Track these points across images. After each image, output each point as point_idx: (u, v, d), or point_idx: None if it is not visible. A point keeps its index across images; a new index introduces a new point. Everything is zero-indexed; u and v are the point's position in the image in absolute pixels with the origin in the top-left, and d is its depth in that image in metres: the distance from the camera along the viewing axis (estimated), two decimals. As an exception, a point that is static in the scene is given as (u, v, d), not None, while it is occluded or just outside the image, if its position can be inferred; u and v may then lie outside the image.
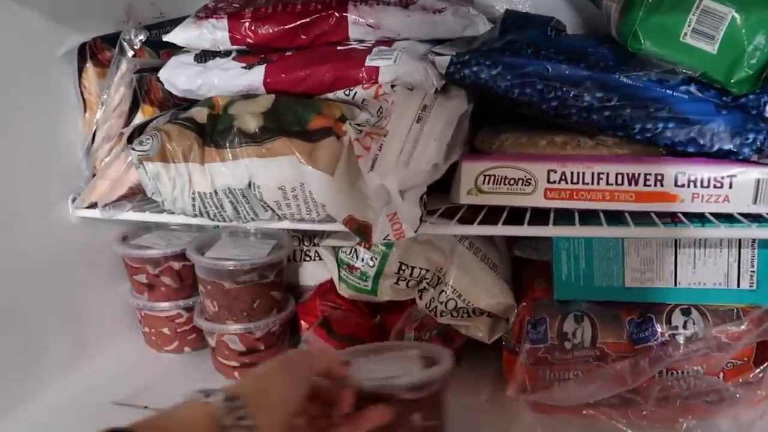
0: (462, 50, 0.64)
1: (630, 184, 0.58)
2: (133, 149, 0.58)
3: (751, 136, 0.55)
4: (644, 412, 0.59)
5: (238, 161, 0.56)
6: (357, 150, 0.54)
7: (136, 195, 0.71)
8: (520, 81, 0.60)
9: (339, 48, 0.67)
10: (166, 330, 0.78)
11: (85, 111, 0.72)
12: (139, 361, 0.79)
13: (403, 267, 0.70)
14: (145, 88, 0.70)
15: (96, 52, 0.71)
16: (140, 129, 0.67)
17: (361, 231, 0.55)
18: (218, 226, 0.80)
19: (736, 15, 0.55)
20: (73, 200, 0.71)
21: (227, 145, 0.56)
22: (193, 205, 0.59)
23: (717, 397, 0.59)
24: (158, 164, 0.58)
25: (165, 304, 0.76)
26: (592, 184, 0.59)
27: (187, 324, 0.78)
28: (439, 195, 0.63)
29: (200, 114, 0.60)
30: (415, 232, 0.54)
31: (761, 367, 0.57)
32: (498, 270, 0.71)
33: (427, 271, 0.70)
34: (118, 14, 0.77)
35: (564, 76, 0.59)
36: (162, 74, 0.69)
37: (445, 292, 0.70)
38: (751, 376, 0.56)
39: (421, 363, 0.52)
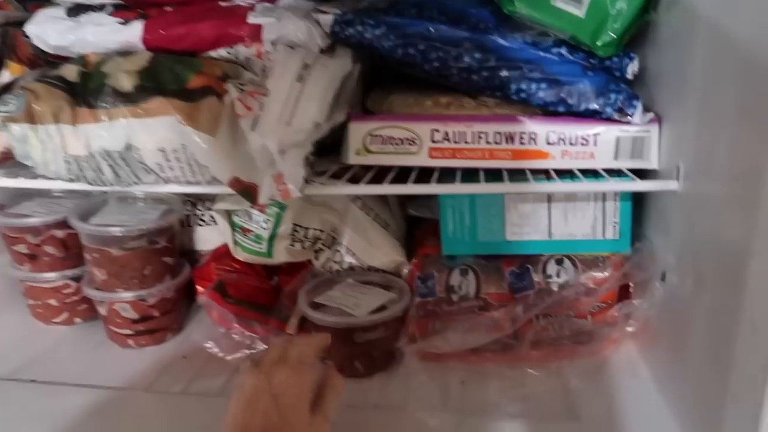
0: (343, 11, 0.64)
1: (507, 143, 0.61)
2: (2, 106, 0.54)
3: (612, 96, 0.59)
4: (521, 355, 0.63)
5: (114, 122, 0.54)
6: (238, 109, 0.53)
7: (9, 160, 0.66)
8: (404, 41, 0.61)
9: (222, 4, 0.65)
10: (53, 301, 0.74)
11: (-55, 69, 0.66)
12: (26, 334, 0.75)
13: (297, 228, 0.70)
14: (10, 44, 0.65)
15: (-47, 5, 0.65)
16: (6, 88, 0.63)
17: (247, 192, 0.55)
18: (105, 192, 0.77)
19: (601, -19, 0.59)
20: (-62, 166, 0.66)
21: (101, 105, 0.54)
22: (68, 169, 0.57)
23: (585, 338, 0.64)
24: (25, 125, 0.54)
25: (50, 275, 0.73)
26: (473, 143, 0.61)
27: (75, 294, 0.75)
28: (334, 157, 0.64)
29: (71, 72, 0.57)
30: (301, 192, 0.54)
31: (618, 306, 0.62)
32: (389, 229, 0.73)
33: (322, 231, 0.71)
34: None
35: (445, 36, 0.61)
36: (29, 29, 0.65)
37: (340, 252, 0.72)
38: (611, 316, 0.62)
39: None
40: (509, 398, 0.58)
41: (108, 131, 0.54)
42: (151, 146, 0.55)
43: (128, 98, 0.54)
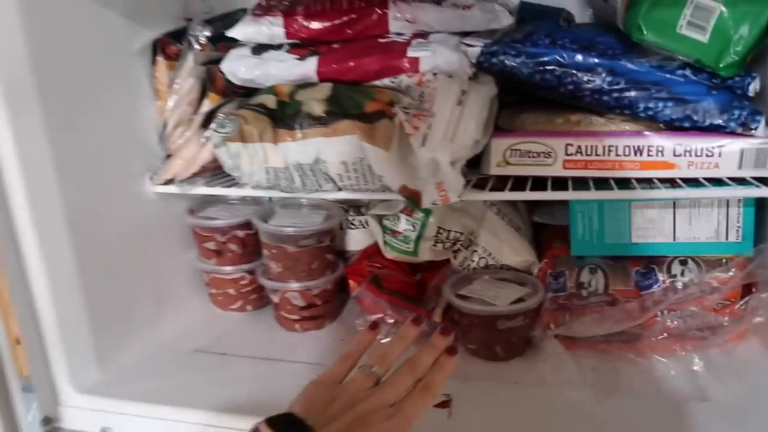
0: (487, 41, 0.74)
1: (635, 155, 0.68)
2: (216, 132, 0.69)
3: (736, 112, 0.66)
4: (649, 345, 0.70)
5: (307, 140, 0.67)
6: (407, 129, 0.65)
7: (206, 172, 0.81)
8: (541, 68, 0.70)
9: (381, 40, 0.77)
10: (231, 291, 0.89)
11: (156, 100, 0.82)
12: (208, 318, 0.90)
13: (441, 231, 0.81)
14: (210, 78, 0.80)
15: (164, 47, 0.81)
16: (210, 115, 0.78)
17: (412, 198, 0.66)
18: (271, 199, 0.92)
19: (724, 9, 0.65)
20: (151, 178, 0.82)
21: (297, 126, 0.67)
22: (267, 179, 0.70)
23: (710, 331, 0.70)
24: (238, 144, 0.68)
25: (230, 268, 0.87)
26: (604, 155, 0.69)
27: (249, 285, 0.89)
28: (471, 169, 0.74)
29: (269, 100, 0.71)
30: (459, 198, 0.65)
31: (743, 300, 0.68)
32: (521, 232, 0.82)
33: (461, 234, 0.81)
34: (177, 11, 0.87)
35: (578, 63, 0.69)
36: (223, 66, 0.79)
37: (477, 252, 0.81)
38: (735, 308, 0.67)
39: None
40: (641, 381, 0.65)
41: (302, 147, 0.67)
42: (335, 159, 0.67)
43: (320, 121, 0.66)
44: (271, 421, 0.43)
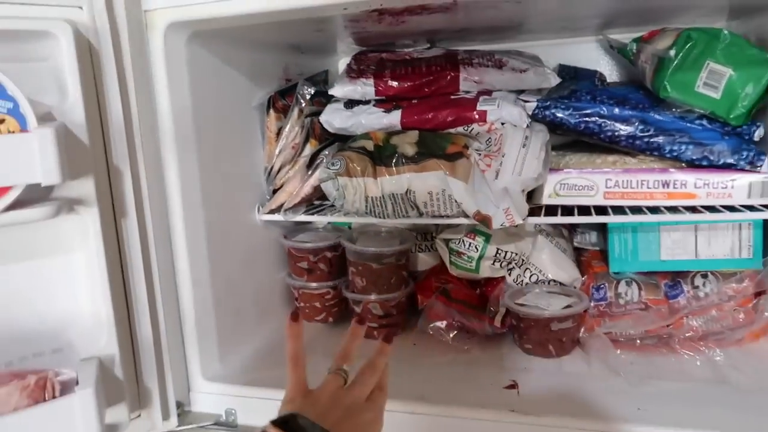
0: (539, 97, 0.92)
1: (663, 188, 0.85)
2: (327, 168, 0.86)
3: (744, 153, 0.82)
4: (677, 344, 0.85)
5: (401, 175, 0.84)
6: (481, 166, 0.82)
7: (303, 204, 0.99)
8: (585, 119, 0.88)
9: (452, 97, 0.95)
10: (317, 304, 1.05)
11: (266, 145, 1.00)
12: (298, 327, 1.06)
13: (499, 252, 0.97)
14: (312, 127, 0.98)
15: (275, 102, 1.00)
16: (312, 157, 0.96)
17: (485, 221, 0.82)
18: (350, 227, 1.09)
19: (732, 73, 0.82)
20: (258, 209, 1.00)
21: (393, 164, 0.84)
22: (366, 206, 0.87)
23: (729, 332, 0.85)
24: (345, 178, 0.86)
25: (318, 284, 1.04)
26: (637, 188, 0.86)
27: (332, 300, 1.05)
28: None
29: (367, 144, 0.89)
30: (523, 220, 0.81)
31: (754, 302, 0.83)
32: (567, 253, 0.98)
33: (516, 254, 0.97)
34: (280, 74, 1.07)
35: (615, 115, 0.87)
36: (322, 118, 0.98)
37: (529, 269, 0.97)
38: (749, 311, 0.82)
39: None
40: (671, 370, 0.80)
41: (396, 181, 0.84)
42: (423, 190, 0.84)
43: (412, 160, 0.84)
44: (276, 422, 0.49)
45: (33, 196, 0.60)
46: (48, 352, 0.65)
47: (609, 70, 1.12)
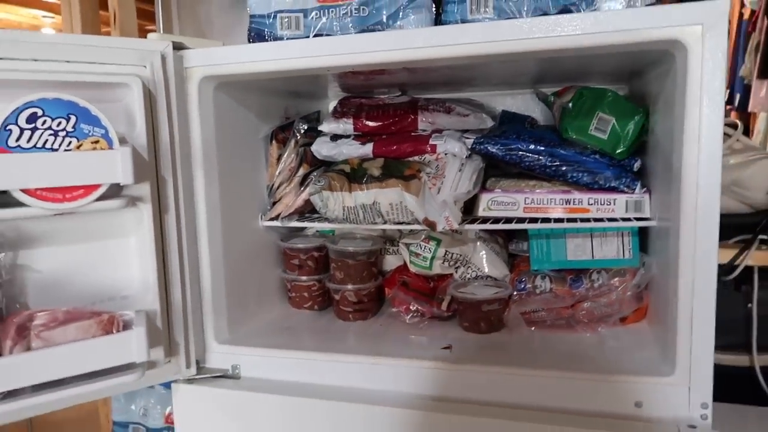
0: (478, 136, 1.22)
1: (566, 204, 1.14)
2: (315, 184, 1.15)
3: (624, 179, 1.11)
4: (576, 324, 1.12)
5: (369, 191, 1.13)
6: (429, 185, 1.11)
7: (296, 214, 1.27)
8: (510, 153, 1.17)
9: (412, 134, 1.25)
10: (305, 294, 1.32)
11: (268, 168, 1.29)
12: (288, 312, 1.33)
13: (447, 253, 1.25)
14: (304, 155, 1.27)
15: (276, 135, 1.29)
16: (304, 178, 1.25)
17: (431, 225, 1.10)
18: (334, 233, 1.37)
19: (615, 120, 1.12)
20: (261, 217, 1.28)
21: (364, 182, 1.13)
22: (343, 215, 1.16)
23: (615, 315, 1.12)
24: (328, 192, 1.14)
25: (307, 278, 1.31)
26: (547, 204, 1.15)
27: (318, 291, 1.32)
28: (466, 215, 1.19)
29: (345, 167, 1.18)
30: (458, 225, 1.09)
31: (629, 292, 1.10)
32: (499, 255, 1.26)
33: (461, 255, 1.25)
34: (281, 113, 1.37)
35: (531, 149, 1.16)
36: (313, 147, 1.27)
37: (470, 267, 1.25)
38: (630, 297, 1.10)
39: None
40: (568, 341, 1.07)
41: (366, 194, 1.13)
42: (385, 202, 1.12)
43: (378, 179, 1.12)
44: None
45: (110, 193, 0.88)
46: (118, 298, 0.92)
47: (540, 116, 1.42)
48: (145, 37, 1.01)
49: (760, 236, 1.25)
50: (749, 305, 1.25)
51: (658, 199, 1.06)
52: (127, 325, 0.89)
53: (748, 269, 1.24)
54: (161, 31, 1.78)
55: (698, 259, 0.85)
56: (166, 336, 1.00)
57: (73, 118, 0.83)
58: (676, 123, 0.87)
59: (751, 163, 1.26)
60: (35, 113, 0.80)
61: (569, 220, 1.12)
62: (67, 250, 0.92)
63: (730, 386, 1.03)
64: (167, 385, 1.08)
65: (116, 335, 0.86)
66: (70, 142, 0.83)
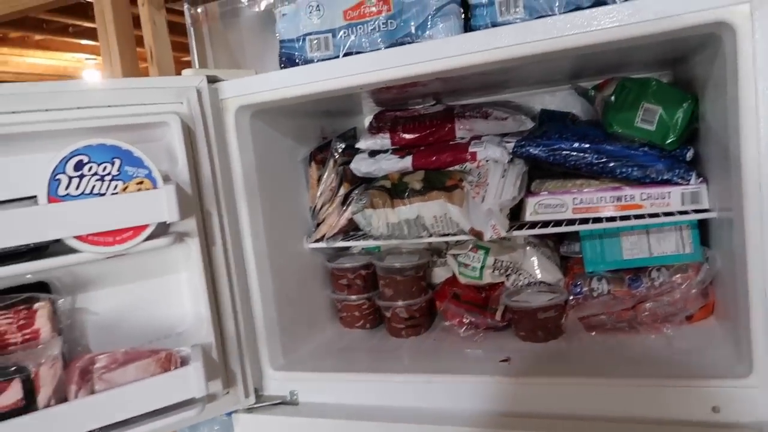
0: (518, 138, 1.18)
1: (617, 201, 1.09)
2: (357, 203, 1.14)
3: (677, 170, 1.06)
4: (638, 325, 1.07)
5: (412, 205, 1.11)
6: (472, 194, 1.08)
7: (341, 234, 1.26)
8: (553, 153, 1.13)
9: (450, 143, 1.23)
10: (356, 313, 1.31)
11: (310, 189, 1.29)
12: (341, 333, 1.32)
13: (497, 261, 1.22)
14: (344, 174, 1.27)
15: (314, 156, 1.29)
16: (346, 197, 1.24)
17: (478, 235, 1.08)
18: (380, 249, 1.36)
19: (662, 109, 1.07)
20: (305, 239, 1.28)
21: (406, 197, 1.12)
22: (387, 230, 1.14)
23: (680, 313, 1.07)
24: (371, 210, 1.13)
25: (356, 297, 1.30)
26: (597, 203, 1.11)
27: (368, 309, 1.31)
28: (514, 221, 1.16)
29: (386, 183, 1.17)
30: (506, 233, 1.06)
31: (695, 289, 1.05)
32: (551, 259, 1.22)
33: (510, 263, 1.22)
34: (317, 134, 1.37)
35: (576, 147, 1.12)
36: (352, 165, 1.27)
37: (522, 274, 1.22)
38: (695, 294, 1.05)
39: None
40: (631, 344, 1.02)
41: (409, 209, 1.11)
42: (429, 215, 1.11)
43: (419, 192, 1.11)
44: None
45: (158, 231, 0.89)
46: (173, 335, 0.93)
47: (580, 111, 1.38)
48: (183, 69, 1.02)
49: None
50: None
51: (717, 188, 1.00)
52: (184, 361, 0.90)
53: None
54: (196, 62, 1.82)
55: (768, 250, 0.80)
56: (223, 367, 1.01)
57: (117, 162, 0.85)
58: (730, 108, 0.82)
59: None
60: (81, 160, 0.82)
61: (622, 218, 1.08)
62: (121, 290, 0.94)
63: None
64: (229, 413, 1.09)
65: (174, 372, 0.87)
66: (116, 186, 0.85)
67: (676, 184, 1.06)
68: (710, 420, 0.85)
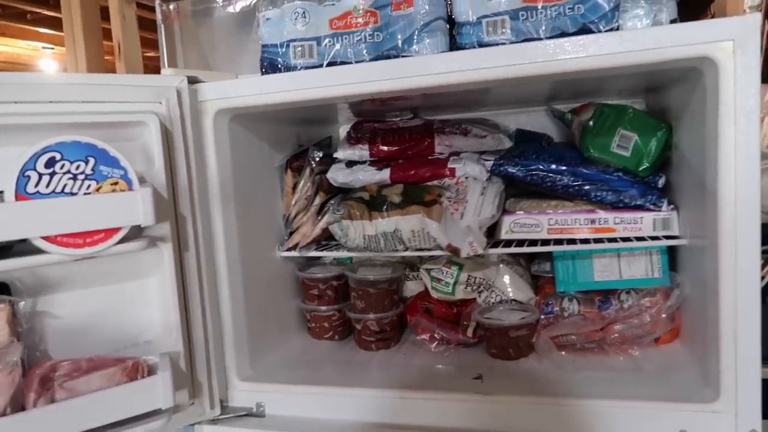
0: (497, 157, 1.19)
1: (591, 224, 1.11)
2: (334, 213, 1.13)
3: (650, 196, 1.09)
4: (607, 346, 1.09)
5: (390, 218, 1.10)
6: (451, 210, 1.08)
7: (314, 243, 1.24)
8: (531, 173, 1.14)
9: (429, 157, 1.23)
10: (326, 324, 1.29)
11: (284, 197, 1.27)
12: (309, 344, 1.30)
13: (470, 278, 1.22)
14: (320, 183, 1.25)
15: (291, 164, 1.27)
16: (321, 206, 1.23)
17: (455, 251, 1.08)
18: (352, 260, 1.34)
19: (638, 137, 1.10)
20: (278, 248, 1.25)
21: (384, 209, 1.11)
22: (364, 243, 1.13)
23: (647, 336, 1.09)
24: (348, 221, 1.12)
25: (326, 308, 1.28)
26: (572, 224, 1.12)
27: (338, 321, 1.29)
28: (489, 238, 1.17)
29: (364, 195, 1.15)
30: (483, 250, 1.07)
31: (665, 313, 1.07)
32: (523, 278, 1.24)
33: (483, 279, 1.23)
34: (294, 141, 1.35)
35: (553, 169, 1.14)
36: (329, 175, 1.25)
37: (494, 291, 1.23)
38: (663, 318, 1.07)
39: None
40: (600, 365, 1.04)
41: (387, 222, 1.10)
42: (407, 229, 1.10)
43: (398, 206, 1.10)
44: None
45: (131, 234, 0.86)
46: (141, 343, 0.89)
47: (555, 133, 1.40)
48: (148, 66, 0.99)
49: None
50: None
51: (687, 216, 1.04)
52: (151, 370, 0.86)
53: (775, 280, 1.21)
54: (165, 60, 1.77)
55: (740, 278, 0.83)
56: (190, 377, 0.97)
57: (91, 161, 0.81)
58: (708, 140, 0.85)
59: (766, 171, 1.24)
60: (54, 157, 0.78)
61: (596, 240, 1.10)
62: (87, 294, 0.90)
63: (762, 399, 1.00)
64: (192, 424, 1.05)
65: (141, 381, 0.83)
66: (89, 186, 0.81)
67: (648, 210, 1.09)
68: (678, 443, 0.87)
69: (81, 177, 0.80)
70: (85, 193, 0.80)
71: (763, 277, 1.23)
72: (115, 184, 0.82)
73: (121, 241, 0.83)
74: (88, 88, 0.86)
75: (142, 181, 0.87)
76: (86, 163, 0.80)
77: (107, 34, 1.78)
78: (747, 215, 0.81)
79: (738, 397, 0.84)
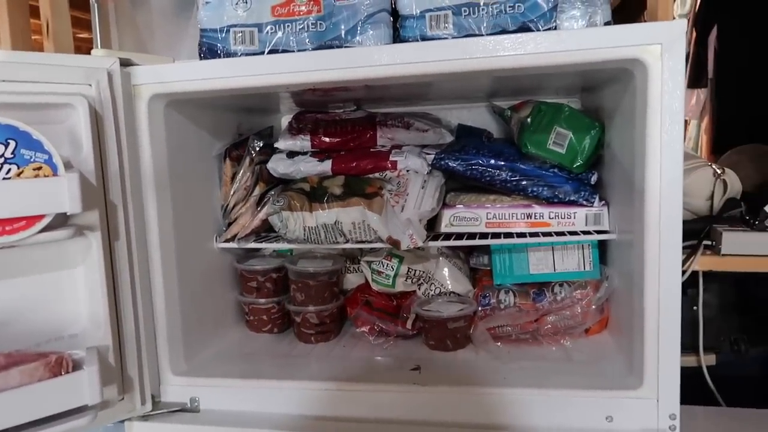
0: (438, 151, 1.21)
1: (527, 218, 1.14)
2: (274, 204, 1.11)
3: (583, 192, 1.13)
4: (541, 337, 1.13)
5: (332, 210, 1.09)
6: (392, 202, 1.09)
7: (253, 234, 1.22)
8: (470, 168, 1.16)
9: (371, 150, 1.22)
10: (264, 317, 1.27)
11: (223, 187, 1.24)
12: (247, 336, 1.28)
13: (410, 270, 1.23)
14: (260, 173, 1.23)
15: (230, 152, 1.24)
16: (261, 197, 1.20)
17: (395, 244, 1.08)
18: (292, 252, 1.33)
19: (572, 134, 1.14)
20: (216, 238, 1.22)
21: (325, 201, 1.10)
22: (304, 235, 1.12)
23: (578, 327, 1.13)
24: (288, 212, 1.10)
25: (265, 300, 1.26)
26: (509, 218, 1.15)
27: (277, 313, 1.27)
28: (429, 231, 1.18)
29: (305, 186, 1.14)
30: (423, 243, 1.08)
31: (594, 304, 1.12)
32: (462, 270, 1.26)
33: (423, 272, 1.24)
34: (233, 129, 1.32)
35: (492, 164, 1.16)
36: (269, 165, 1.23)
37: (434, 284, 1.24)
38: (593, 309, 1.11)
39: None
40: (534, 355, 1.07)
41: (327, 214, 1.09)
42: (348, 221, 1.10)
43: (339, 198, 1.09)
44: None
45: (56, 223, 0.81)
46: (66, 337, 0.85)
47: (495, 129, 1.43)
48: (80, 47, 0.94)
49: (704, 242, 1.29)
50: (695, 308, 1.29)
51: (617, 211, 1.08)
52: (77, 365, 0.82)
53: (694, 274, 1.28)
54: (98, 41, 1.69)
55: (663, 272, 0.87)
56: (119, 372, 0.94)
57: (12, 144, 0.76)
58: (636, 140, 0.89)
59: (690, 171, 1.30)
60: (-31, 139, 0.73)
61: (531, 234, 1.13)
62: (6, 286, 0.84)
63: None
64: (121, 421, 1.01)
65: (66, 377, 0.79)
66: (9, 170, 0.76)
67: (581, 205, 1.13)
68: (604, 428, 0.91)
69: (0, 161, 0.75)
70: (4, 178, 0.76)
71: (684, 271, 1.31)
72: (39, 169, 0.78)
73: (45, 229, 0.79)
74: (11, 66, 0.81)
75: (68, 166, 0.82)
76: (6, 146, 0.76)
77: (35, 12, 1.68)
78: (671, 212, 0.85)
79: (659, 384, 0.88)
